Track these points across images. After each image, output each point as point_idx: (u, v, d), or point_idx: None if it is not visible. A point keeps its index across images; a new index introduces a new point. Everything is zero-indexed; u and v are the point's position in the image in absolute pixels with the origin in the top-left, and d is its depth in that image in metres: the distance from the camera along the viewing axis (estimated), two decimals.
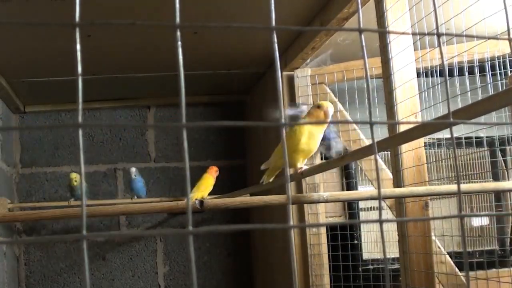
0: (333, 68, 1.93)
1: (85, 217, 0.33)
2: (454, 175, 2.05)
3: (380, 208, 0.41)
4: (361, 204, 2.34)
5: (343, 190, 2.25)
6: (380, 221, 0.36)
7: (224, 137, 2.66)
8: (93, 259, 2.51)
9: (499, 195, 2.07)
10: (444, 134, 1.68)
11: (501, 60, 1.54)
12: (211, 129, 2.65)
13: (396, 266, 1.44)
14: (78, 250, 2.51)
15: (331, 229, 2.02)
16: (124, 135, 2.60)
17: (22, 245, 2.50)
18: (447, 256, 1.38)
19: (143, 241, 2.57)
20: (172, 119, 2.65)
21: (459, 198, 0.40)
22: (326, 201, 1.25)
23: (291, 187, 1.94)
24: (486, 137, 1.89)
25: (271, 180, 1.32)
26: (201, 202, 1.25)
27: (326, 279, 1.93)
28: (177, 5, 0.34)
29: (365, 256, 2.26)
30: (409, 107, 1.32)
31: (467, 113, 0.65)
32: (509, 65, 1.54)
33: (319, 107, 1.23)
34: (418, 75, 1.37)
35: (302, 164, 1.26)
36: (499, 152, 2.13)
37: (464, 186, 1.15)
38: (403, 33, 1.34)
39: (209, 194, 1.88)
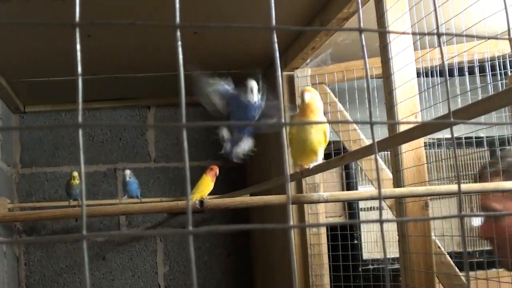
0: (333, 68, 1.93)
1: (85, 217, 0.33)
2: (454, 175, 2.05)
3: (380, 208, 0.41)
4: (361, 204, 2.34)
5: (343, 190, 2.26)
6: (380, 221, 0.36)
7: None
8: (93, 259, 2.51)
9: None
10: (444, 134, 1.68)
11: (501, 60, 1.54)
12: (211, 129, 2.65)
13: (396, 266, 1.44)
14: (78, 250, 2.51)
15: (331, 229, 2.02)
16: (124, 135, 2.60)
17: (22, 245, 2.50)
18: (447, 256, 1.38)
19: (143, 241, 2.57)
20: (172, 119, 2.65)
21: (459, 198, 0.40)
22: (326, 201, 1.25)
23: (291, 187, 1.94)
24: (486, 137, 1.89)
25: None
26: (201, 202, 1.25)
27: (326, 279, 1.93)
28: (177, 5, 0.34)
29: (365, 256, 2.26)
30: (409, 107, 1.32)
31: (467, 113, 0.65)
32: (509, 65, 1.54)
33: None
34: (418, 75, 1.37)
35: (309, 163, 1.25)
36: (499, 152, 2.13)
37: (464, 186, 1.15)
38: (403, 33, 1.34)
39: (209, 194, 1.88)
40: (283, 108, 1.70)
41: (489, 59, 1.49)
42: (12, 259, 2.40)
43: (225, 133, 1.26)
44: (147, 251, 2.57)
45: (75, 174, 2.17)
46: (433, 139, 1.89)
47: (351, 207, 2.33)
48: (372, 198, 1.29)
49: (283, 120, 0.36)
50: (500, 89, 1.34)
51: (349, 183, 2.27)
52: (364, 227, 2.26)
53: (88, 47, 1.75)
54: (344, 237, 2.11)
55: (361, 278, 2.13)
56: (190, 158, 2.47)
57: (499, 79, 1.52)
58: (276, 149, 2.12)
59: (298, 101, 1.95)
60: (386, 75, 1.34)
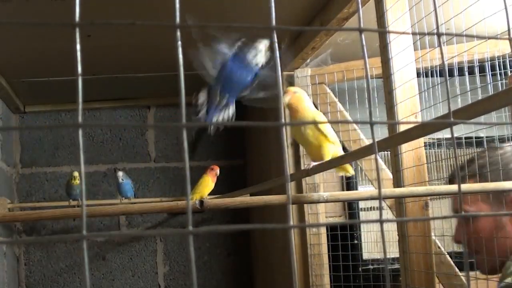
0: (333, 68, 1.93)
1: (85, 217, 0.33)
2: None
3: (380, 208, 0.41)
4: (361, 204, 2.34)
5: (343, 190, 2.25)
6: (380, 221, 0.36)
7: (224, 137, 2.66)
8: (93, 259, 2.51)
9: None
10: (444, 134, 1.68)
11: (501, 60, 1.54)
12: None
13: (396, 266, 1.44)
14: (78, 250, 2.51)
15: (331, 229, 2.02)
16: (124, 135, 2.60)
17: (22, 245, 2.50)
18: (447, 256, 1.38)
19: (143, 241, 2.57)
20: (172, 119, 2.65)
21: (459, 198, 0.40)
22: (326, 201, 1.25)
23: (291, 187, 1.94)
24: (486, 137, 1.89)
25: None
26: (201, 202, 1.25)
27: (326, 279, 1.93)
28: (177, 5, 0.34)
29: (365, 256, 2.26)
30: (409, 107, 1.32)
31: (467, 113, 0.65)
32: (509, 65, 1.54)
33: None
34: (418, 75, 1.37)
35: (319, 159, 1.25)
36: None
37: (464, 186, 1.15)
38: (403, 33, 1.34)
39: (209, 194, 1.88)
40: (283, 108, 1.70)
41: (489, 59, 1.49)
42: (12, 259, 2.40)
43: (202, 96, 1.14)
44: (147, 251, 2.57)
45: (76, 174, 2.17)
46: (433, 139, 1.89)
47: (351, 207, 2.33)
48: (372, 198, 1.28)
49: (282, 120, 0.36)
50: (500, 89, 1.34)
51: (349, 183, 2.27)
52: (364, 227, 2.26)
53: (88, 47, 1.75)
54: (344, 237, 2.11)
55: (361, 278, 2.13)
56: (190, 158, 2.47)
57: (499, 79, 1.52)
58: (276, 149, 2.12)
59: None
60: (386, 75, 1.34)
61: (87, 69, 1.99)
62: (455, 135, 1.37)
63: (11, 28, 1.57)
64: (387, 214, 1.72)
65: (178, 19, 0.34)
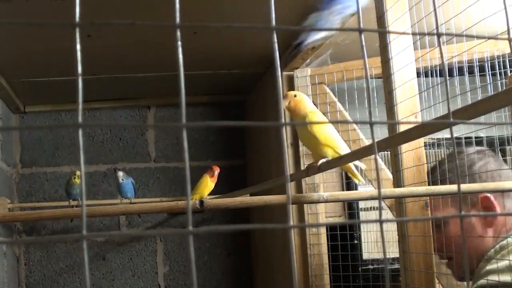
0: (332, 68, 1.93)
1: (85, 217, 0.33)
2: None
3: (380, 208, 0.41)
4: (361, 204, 2.34)
5: (343, 190, 2.26)
6: (380, 221, 0.36)
7: (224, 137, 2.66)
8: (93, 259, 2.51)
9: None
10: (444, 134, 1.68)
11: (501, 59, 1.54)
12: (211, 129, 2.65)
13: (396, 266, 1.44)
14: (78, 250, 2.51)
15: (331, 229, 2.02)
16: (124, 135, 2.60)
17: (22, 245, 2.50)
18: None
19: (143, 241, 2.57)
20: (172, 119, 2.65)
21: (459, 198, 0.40)
22: (326, 201, 1.25)
23: (291, 187, 1.94)
24: (486, 137, 1.89)
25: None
26: (201, 202, 1.25)
27: (326, 279, 1.93)
28: (177, 5, 0.34)
29: (365, 256, 2.26)
30: (409, 107, 1.32)
31: (467, 113, 0.65)
32: (509, 64, 1.53)
33: None
34: (418, 75, 1.37)
35: (318, 160, 1.25)
36: (499, 152, 2.13)
37: (464, 186, 1.15)
38: (403, 33, 1.34)
39: (209, 194, 1.88)
40: (283, 108, 1.70)
41: (488, 59, 1.49)
42: (12, 259, 2.40)
43: None
44: (147, 251, 2.57)
45: (78, 173, 2.16)
46: (433, 139, 1.89)
47: (351, 207, 2.33)
48: (372, 198, 1.29)
49: (282, 120, 0.36)
50: (500, 89, 1.34)
51: (349, 183, 2.27)
52: (364, 227, 2.26)
53: (88, 47, 1.75)
54: (344, 237, 2.11)
55: (360, 278, 2.13)
56: (190, 158, 2.47)
57: (498, 79, 1.52)
58: (276, 149, 2.12)
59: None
60: (386, 75, 1.34)
61: (87, 69, 1.99)
62: (455, 135, 1.37)
63: (11, 28, 1.57)
64: (387, 214, 1.72)
65: (178, 19, 0.34)
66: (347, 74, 1.90)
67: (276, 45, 0.37)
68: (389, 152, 1.54)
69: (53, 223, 2.51)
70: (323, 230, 1.95)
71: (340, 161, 1.18)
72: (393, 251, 1.76)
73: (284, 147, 0.42)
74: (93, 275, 2.51)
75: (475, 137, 1.73)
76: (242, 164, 2.65)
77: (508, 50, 1.43)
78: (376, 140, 0.40)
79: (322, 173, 1.83)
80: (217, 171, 1.88)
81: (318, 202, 1.26)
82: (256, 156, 2.46)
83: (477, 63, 1.47)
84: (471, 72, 1.47)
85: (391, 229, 1.75)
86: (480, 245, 1.18)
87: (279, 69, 0.38)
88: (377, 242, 2.25)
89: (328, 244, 1.95)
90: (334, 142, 1.25)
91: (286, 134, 1.98)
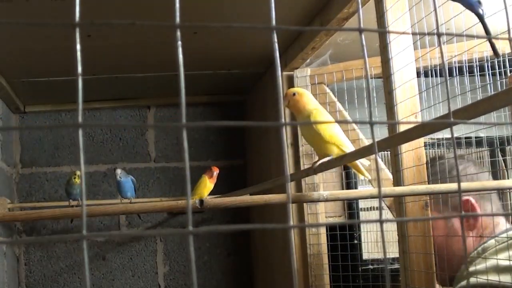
0: (332, 68, 1.93)
1: (85, 216, 0.33)
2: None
3: (380, 208, 0.41)
4: (361, 204, 2.34)
5: (342, 190, 2.25)
6: (380, 221, 0.36)
7: (224, 137, 2.66)
8: (93, 259, 2.51)
9: (499, 195, 2.07)
10: (444, 134, 1.68)
11: (501, 59, 1.54)
12: (211, 129, 2.65)
13: (396, 266, 1.44)
14: (78, 250, 2.51)
15: (331, 229, 2.02)
16: (124, 135, 2.60)
17: (22, 245, 2.50)
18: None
19: (143, 241, 2.57)
20: (172, 119, 2.65)
21: (460, 198, 0.40)
22: (326, 200, 1.25)
23: (290, 187, 1.94)
24: (486, 137, 1.89)
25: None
26: (201, 201, 1.25)
27: (326, 279, 1.93)
28: (177, 5, 0.34)
29: (365, 256, 2.26)
30: (409, 107, 1.32)
31: (467, 113, 0.65)
32: (509, 64, 1.53)
33: None
34: (418, 75, 1.37)
35: (320, 158, 1.25)
36: (499, 152, 2.13)
37: (464, 185, 1.15)
38: (403, 33, 1.34)
39: (209, 194, 1.88)
40: (283, 108, 1.70)
41: (489, 59, 1.49)
42: (12, 259, 2.40)
43: None
44: (147, 251, 2.57)
45: (78, 173, 2.16)
46: (433, 139, 1.89)
47: (351, 207, 2.33)
48: (372, 197, 1.29)
49: (282, 120, 0.36)
50: (500, 89, 1.34)
51: (348, 183, 2.27)
52: (364, 227, 2.26)
53: (88, 47, 1.75)
54: (343, 237, 2.11)
55: (360, 278, 2.13)
56: (190, 158, 2.46)
57: (498, 78, 1.52)
58: (276, 149, 2.12)
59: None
60: (386, 75, 1.34)
61: (87, 69, 2.00)
62: (455, 135, 1.37)
63: (11, 28, 1.57)
64: (387, 214, 1.72)
65: (178, 19, 0.34)
66: (347, 74, 1.90)
67: (276, 45, 0.37)
68: (389, 152, 1.54)
69: (53, 223, 2.51)
70: (323, 230, 1.95)
71: (343, 160, 1.18)
72: (393, 251, 1.76)
73: (284, 147, 0.43)
74: (93, 275, 2.51)
75: (475, 137, 1.74)
76: (242, 164, 2.65)
77: (508, 50, 1.43)
78: (376, 140, 0.40)
79: (321, 173, 1.83)
80: (216, 171, 1.87)
81: (318, 201, 1.26)
82: (256, 156, 2.46)
83: (477, 62, 1.47)
84: (471, 72, 1.47)
85: (391, 229, 1.75)
86: (462, 248, 1.20)
87: (279, 69, 0.38)
88: (377, 242, 2.25)
89: (328, 244, 1.95)
90: (339, 140, 1.25)
91: (286, 134, 1.99)
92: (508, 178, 2.01)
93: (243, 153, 2.64)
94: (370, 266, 2.23)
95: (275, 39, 0.37)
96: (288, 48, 1.91)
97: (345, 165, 2.19)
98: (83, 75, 0.33)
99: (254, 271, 2.58)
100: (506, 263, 1.06)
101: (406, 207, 1.31)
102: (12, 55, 1.84)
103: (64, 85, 2.17)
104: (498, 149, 2.08)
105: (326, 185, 2.02)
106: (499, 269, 1.07)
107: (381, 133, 1.57)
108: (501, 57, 1.49)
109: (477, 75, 1.44)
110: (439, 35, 0.40)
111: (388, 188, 1.28)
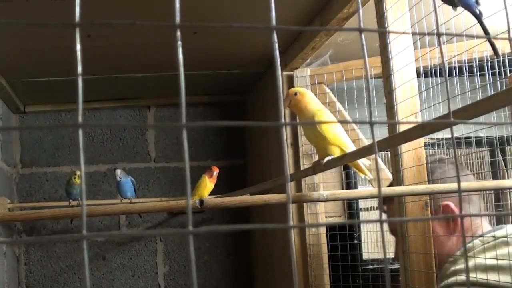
0: (332, 68, 1.93)
1: (85, 216, 0.33)
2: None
3: (380, 208, 0.41)
4: (361, 204, 2.34)
5: (342, 190, 2.25)
6: (380, 221, 0.36)
7: (224, 137, 2.66)
8: (93, 259, 2.51)
9: (498, 195, 2.07)
10: (444, 134, 1.68)
11: (501, 59, 1.54)
12: (211, 129, 2.65)
13: (396, 266, 1.44)
14: (78, 250, 2.51)
15: (331, 229, 2.02)
16: (124, 135, 2.60)
17: (22, 245, 2.50)
18: None
19: (143, 241, 2.57)
20: (172, 119, 2.65)
21: (460, 198, 0.40)
22: (326, 200, 1.25)
23: (290, 187, 1.94)
24: (486, 137, 1.89)
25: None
26: (201, 201, 1.25)
27: (326, 279, 1.93)
28: (177, 5, 0.34)
29: (365, 256, 2.26)
30: (409, 107, 1.32)
31: (467, 113, 0.65)
32: (509, 64, 1.53)
33: None
34: (418, 75, 1.37)
35: (325, 157, 1.25)
36: (499, 152, 2.13)
37: (464, 184, 1.15)
38: (403, 33, 1.34)
39: (209, 194, 1.88)
40: (283, 108, 1.70)
41: (488, 59, 1.49)
42: (12, 259, 2.40)
43: None
44: (147, 251, 2.57)
45: (78, 173, 2.16)
46: (433, 139, 1.89)
47: (351, 207, 2.33)
48: (372, 197, 1.29)
49: (282, 120, 0.36)
50: (500, 89, 1.34)
51: (348, 183, 2.27)
52: (364, 227, 2.26)
53: (88, 47, 1.75)
54: (343, 237, 2.11)
55: (360, 278, 2.13)
56: (190, 158, 2.46)
57: (498, 78, 1.52)
58: (276, 149, 2.12)
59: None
60: (386, 75, 1.33)
61: (87, 69, 1.99)
62: (455, 135, 1.37)
63: (11, 28, 1.57)
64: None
65: (178, 19, 0.34)
66: (347, 74, 1.90)
67: (276, 45, 0.37)
68: (389, 152, 1.54)
69: (53, 223, 2.51)
70: (323, 230, 1.95)
71: (343, 159, 1.18)
72: (393, 251, 1.76)
73: (284, 147, 0.43)
74: (93, 275, 2.51)
75: (475, 137, 1.74)
76: (242, 164, 2.65)
77: (508, 50, 1.43)
78: (376, 140, 0.40)
79: (321, 172, 1.83)
80: (216, 171, 1.87)
81: (318, 200, 1.26)
82: (256, 156, 2.46)
83: (477, 62, 1.47)
84: (470, 72, 1.47)
85: None
86: (443, 251, 1.21)
87: (279, 69, 0.38)
88: (377, 242, 2.25)
89: (328, 244, 1.95)
90: (342, 141, 1.25)
91: (286, 134, 1.99)
92: (508, 178, 2.01)
93: (243, 153, 2.64)
94: (370, 266, 2.23)
95: (275, 39, 0.37)
96: (288, 48, 1.91)
97: (345, 165, 2.19)
98: (83, 75, 0.33)
99: (254, 271, 2.58)
100: (494, 262, 1.07)
101: (406, 207, 1.31)
102: (12, 55, 1.84)
103: (64, 85, 2.17)
104: (498, 149, 2.08)
105: (326, 185, 2.02)
106: (487, 268, 1.07)
107: (381, 133, 1.57)
108: (501, 57, 1.49)
109: (477, 75, 1.44)
110: (439, 35, 0.40)
111: (388, 188, 1.28)
